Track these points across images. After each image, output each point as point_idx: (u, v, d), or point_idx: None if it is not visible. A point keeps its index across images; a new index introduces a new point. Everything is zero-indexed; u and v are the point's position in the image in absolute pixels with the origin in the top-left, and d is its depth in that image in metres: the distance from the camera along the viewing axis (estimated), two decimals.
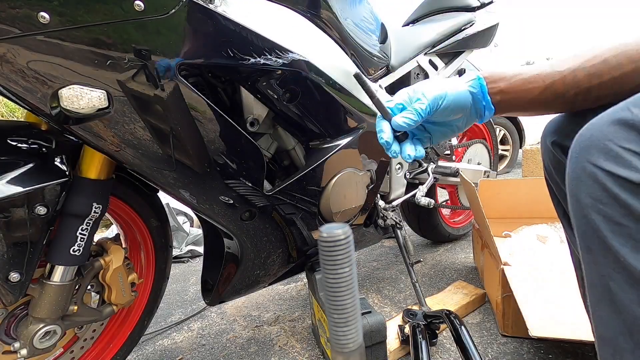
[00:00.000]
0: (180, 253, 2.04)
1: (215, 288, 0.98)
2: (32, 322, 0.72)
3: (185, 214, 2.23)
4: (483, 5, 1.42)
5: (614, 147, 0.39)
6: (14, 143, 0.68)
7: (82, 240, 0.73)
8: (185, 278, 1.78)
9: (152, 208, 0.95)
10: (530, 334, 0.83)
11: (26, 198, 0.65)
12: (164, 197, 0.98)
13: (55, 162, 0.70)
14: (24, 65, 0.55)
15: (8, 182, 0.63)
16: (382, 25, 1.18)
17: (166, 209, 1.02)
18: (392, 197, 1.28)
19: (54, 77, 0.57)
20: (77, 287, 0.79)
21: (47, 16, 0.53)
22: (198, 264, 1.95)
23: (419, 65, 1.31)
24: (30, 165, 0.66)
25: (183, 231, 2.10)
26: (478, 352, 0.83)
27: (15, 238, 0.66)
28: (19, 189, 0.63)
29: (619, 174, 0.38)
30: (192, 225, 2.24)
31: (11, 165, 0.65)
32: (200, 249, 2.08)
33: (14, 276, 0.66)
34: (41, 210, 0.67)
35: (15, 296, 0.67)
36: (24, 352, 0.71)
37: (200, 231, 2.15)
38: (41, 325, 0.72)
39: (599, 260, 0.41)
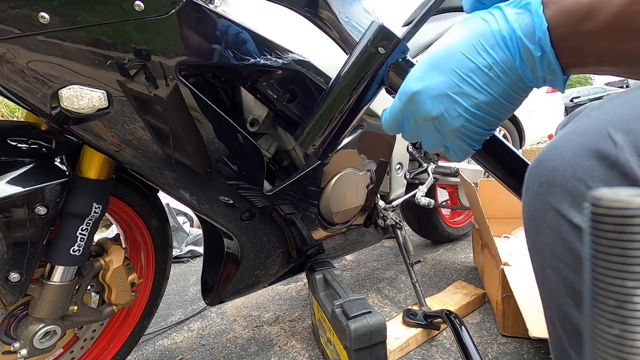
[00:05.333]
0: (180, 253, 2.04)
1: (215, 288, 0.98)
2: (32, 322, 0.72)
3: (185, 214, 2.24)
4: None
5: (585, 192, 0.29)
6: (14, 143, 0.68)
7: (82, 240, 0.73)
8: (185, 278, 1.78)
9: (152, 208, 0.95)
10: (530, 334, 0.83)
11: (26, 198, 0.65)
12: (163, 197, 0.98)
13: (55, 162, 0.70)
14: (24, 65, 0.55)
15: (8, 182, 0.63)
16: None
17: (166, 209, 1.02)
18: (392, 197, 1.28)
19: (54, 77, 0.57)
20: (77, 287, 0.79)
21: (47, 16, 0.53)
22: (198, 264, 1.95)
23: None
24: (30, 165, 0.67)
25: (183, 231, 2.10)
26: (478, 352, 0.83)
27: (15, 238, 0.66)
28: (19, 189, 0.63)
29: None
30: (192, 226, 2.25)
31: (11, 165, 0.65)
32: (200, 249, 2.08)
33: (14, 276, 0.66)
34: (41, 210, 0.67)
35: (15, 296, 0.67)
36: (24, 352, 0.71)
37: (200, 231, 2.15)
38: (41, 326, 0.72)
39: (552, 315, 0.36)
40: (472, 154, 0.45)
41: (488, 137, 0.43)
